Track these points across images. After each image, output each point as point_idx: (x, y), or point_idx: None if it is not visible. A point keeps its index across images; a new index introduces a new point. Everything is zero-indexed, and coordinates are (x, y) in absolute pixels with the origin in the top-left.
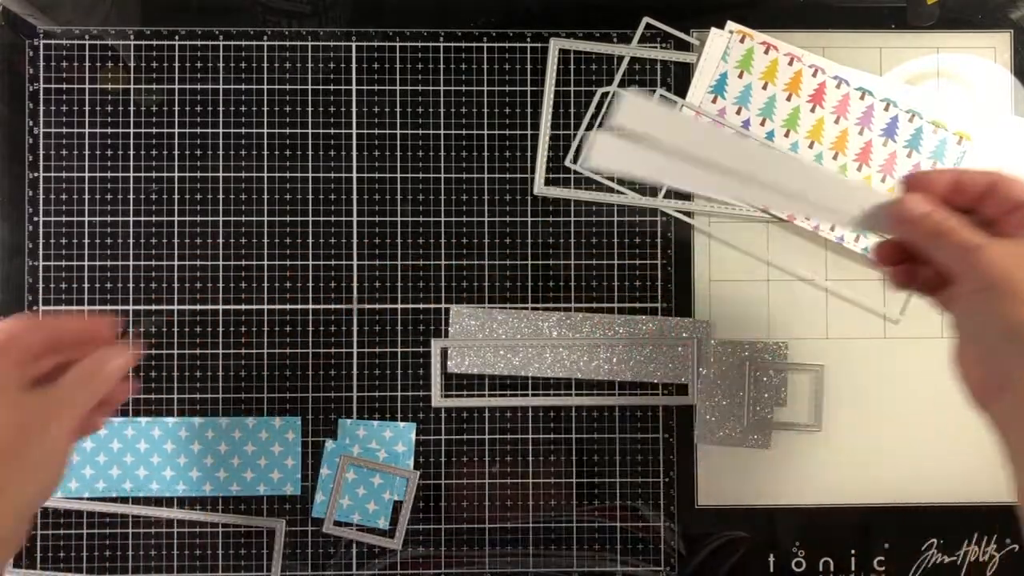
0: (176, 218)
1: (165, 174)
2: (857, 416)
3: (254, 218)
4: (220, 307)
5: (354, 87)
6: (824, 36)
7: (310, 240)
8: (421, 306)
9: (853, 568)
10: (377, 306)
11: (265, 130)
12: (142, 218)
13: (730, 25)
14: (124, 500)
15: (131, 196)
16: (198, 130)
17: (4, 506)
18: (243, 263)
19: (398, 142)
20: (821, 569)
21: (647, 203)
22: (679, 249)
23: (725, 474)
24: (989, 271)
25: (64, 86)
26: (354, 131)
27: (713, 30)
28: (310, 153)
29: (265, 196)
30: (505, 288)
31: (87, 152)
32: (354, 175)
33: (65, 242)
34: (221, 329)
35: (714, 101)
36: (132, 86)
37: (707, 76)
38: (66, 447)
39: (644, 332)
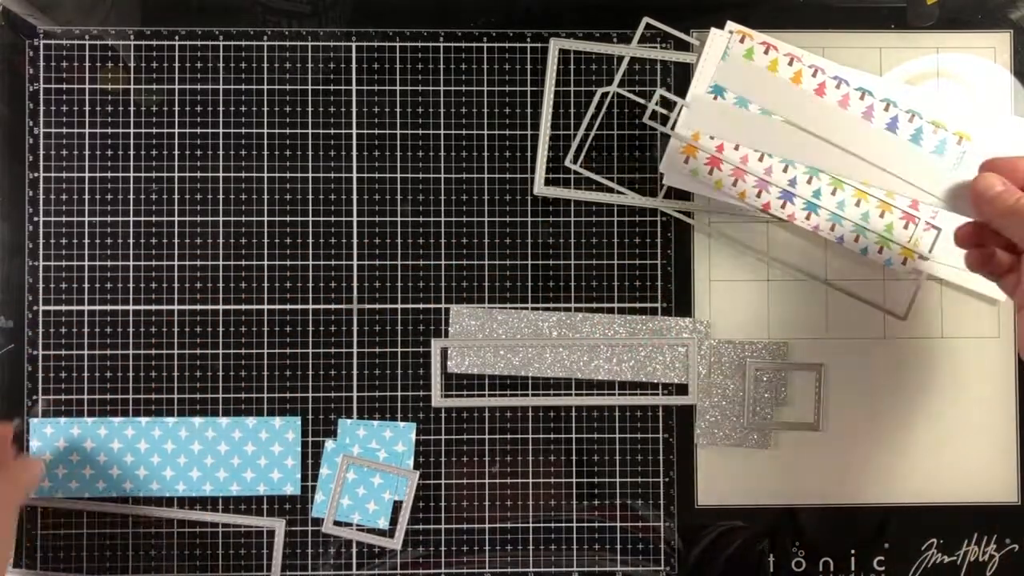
0: (176, 218)
1: (165, 174)
2: (857, 416)
3: (254, 218)
4: (220, 307)
5: (354, 87)
6: (824, 36)
7: (310, 240)
8: (421, 306)
9: (853, 568)
10: (377, 306)
11: (265, 130)
12: (142, 218)
13: (730, 25)
14: (124, 500)
15: (131, 196)
16: (198, 130)
17: None
18: (243, 263)
19: (398, 142)
20: (821, 569)
21: (647, 203)
22: (679, 249)
23: (725, 474)
24: None
25: (64, 86)
26: (354, 131)
27: (713, 30)
28: (310, 153)
29: (265, 196)
30: (505, 288)
31: (87, 152)
32: (354, 175)
33: (65, 242)
34: (221, 329)
35: (714, 101)
36: (132, 86)
37: (707, 76)
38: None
39: (644, 332)
